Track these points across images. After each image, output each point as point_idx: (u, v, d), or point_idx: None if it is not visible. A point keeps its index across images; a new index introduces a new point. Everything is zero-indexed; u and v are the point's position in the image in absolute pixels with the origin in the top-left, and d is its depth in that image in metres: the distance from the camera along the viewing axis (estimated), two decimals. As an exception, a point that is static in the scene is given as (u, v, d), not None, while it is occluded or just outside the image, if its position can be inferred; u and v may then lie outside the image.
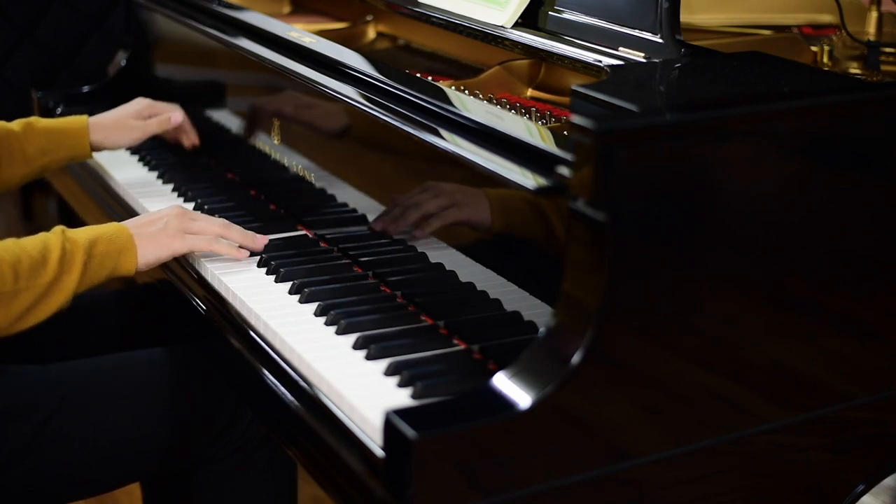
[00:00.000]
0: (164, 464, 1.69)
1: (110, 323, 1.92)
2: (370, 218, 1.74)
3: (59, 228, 1.60)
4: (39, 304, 1.55)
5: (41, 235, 1.59)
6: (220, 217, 1.80)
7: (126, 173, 2.19)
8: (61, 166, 2.12)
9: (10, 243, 1.55)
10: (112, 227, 1.66)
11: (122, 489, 1.77)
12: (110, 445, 1.63)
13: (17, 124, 2.02)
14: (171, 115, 2.17)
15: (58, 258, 1.55)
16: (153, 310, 1.95)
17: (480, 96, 1.75)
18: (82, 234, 1.61)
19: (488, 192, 1.48)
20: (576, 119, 1.25)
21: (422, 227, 1.61)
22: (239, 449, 1.71)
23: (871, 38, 1.79)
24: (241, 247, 1.74)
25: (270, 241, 1.78)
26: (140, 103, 2.18)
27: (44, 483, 1.60)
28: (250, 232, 1.76)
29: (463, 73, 1.90)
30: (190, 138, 2.22)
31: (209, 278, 1.71)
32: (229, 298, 1.65)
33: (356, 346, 1.47)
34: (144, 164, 2.24)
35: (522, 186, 1.36)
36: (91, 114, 2.53)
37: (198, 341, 1.75)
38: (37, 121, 2.05)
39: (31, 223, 3.54)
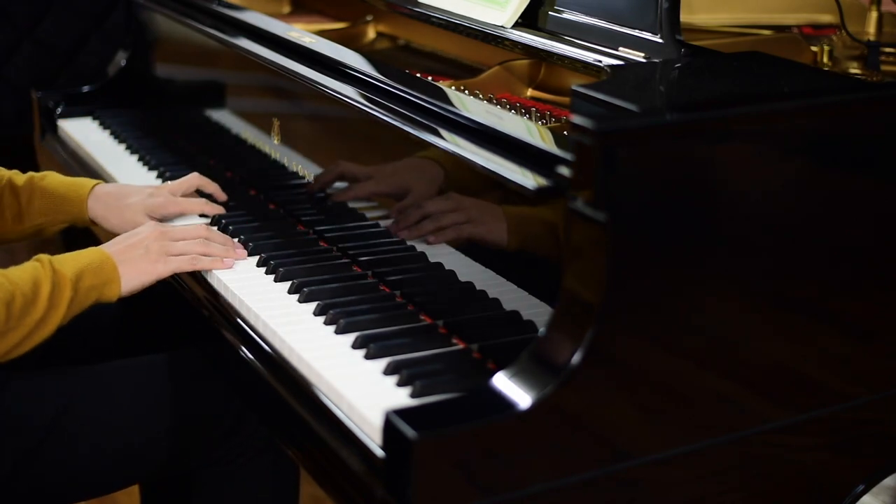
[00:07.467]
0: (167, 467, 1.69)
1: (111, 327, 1.92)
2: (369, 217, 1.74)
3: (46, 260, 1.56)
4: (26, 340, 1.53)
5: (31, 268, 1.54)
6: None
7: (125, 173, 2.19)
8: (61, 229, 1.92)
9: (2, 279, 1.51)
10: (95, 255, 1.62)
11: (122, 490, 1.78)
12: (114, 450, 1.63)
13: (23, 178, 1.87)
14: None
15: (48, 294, 1.53)
16: (154, 313, 1.94)
17: (480, 96, 1.75)
18: (69, 266, 1.57)
19: (507, 211, 1.47)
20: (576, 119, 1.25)
21: (434, 235, 1.60)
22: (242, 453, 1.70)
23: (871, 38, 1.79)
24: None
25: (270, 241, 1.78)
26: (156, 200, 1.87)
27: (48, 487, 1.60)
28: (230, 241, 1.75)
29: (463, 73, 1.90)
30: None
31: (208, 278, 1.71)
32: (229, 298, 1.65)
33: (355, 346, 1.46)
34: (144, 164, 2.24)
35: (522, 186, 1.36)
36: (92, 114, 2.56)
37: (199, 345, 1.75)
38: (41, 178, 1.88)
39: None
